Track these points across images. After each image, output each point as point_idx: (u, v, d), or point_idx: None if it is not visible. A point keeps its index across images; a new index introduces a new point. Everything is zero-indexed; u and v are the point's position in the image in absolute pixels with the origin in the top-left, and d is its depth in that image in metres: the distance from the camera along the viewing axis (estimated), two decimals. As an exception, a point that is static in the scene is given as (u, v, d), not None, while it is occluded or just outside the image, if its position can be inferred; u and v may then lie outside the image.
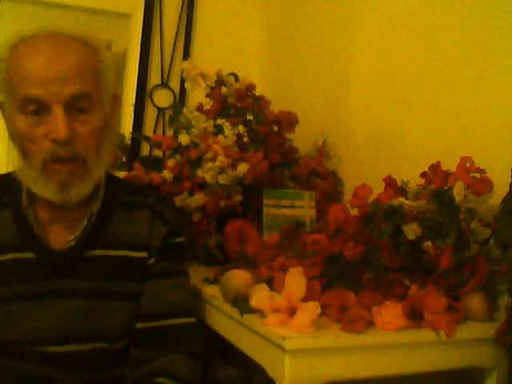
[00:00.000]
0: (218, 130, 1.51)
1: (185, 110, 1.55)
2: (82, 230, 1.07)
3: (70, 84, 0.96)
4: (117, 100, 1.11)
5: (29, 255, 1.05)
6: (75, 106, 0.98)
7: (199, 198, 1.43)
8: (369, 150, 1.57)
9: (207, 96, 1.61)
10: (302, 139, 1.68)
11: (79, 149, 0.99)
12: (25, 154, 1.00)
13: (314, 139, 1.69)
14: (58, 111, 0.96)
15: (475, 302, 1.06)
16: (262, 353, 1.00)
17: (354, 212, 1.16)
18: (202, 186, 1.45)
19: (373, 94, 1.57)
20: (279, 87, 2.00)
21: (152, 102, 2.06)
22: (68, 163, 0.99)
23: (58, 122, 0.96)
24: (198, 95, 1.66)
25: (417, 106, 1.41)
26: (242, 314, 1.04)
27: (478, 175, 1.12)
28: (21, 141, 0.99)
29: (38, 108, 0.97)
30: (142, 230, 1.11)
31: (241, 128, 1.56)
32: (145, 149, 1.98)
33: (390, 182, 1.24)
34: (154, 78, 2.07)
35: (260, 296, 1.00)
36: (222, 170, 1.42)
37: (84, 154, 1.00)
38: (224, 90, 1.58)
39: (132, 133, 1.98)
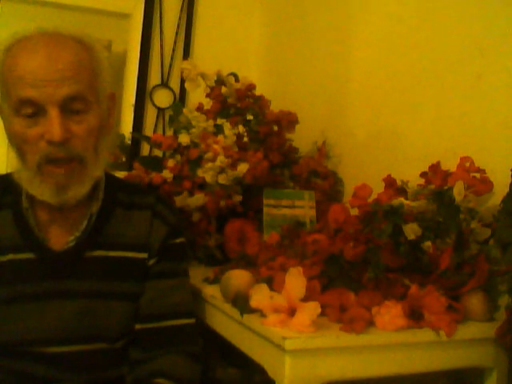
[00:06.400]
0: (218, 130, 1.51)
1: (185, 110, 1.55)
2: (82, 230, 1.07)
3: (64, 85, 0.96)
4: (114, 99, 1.11)
5: (29, 256, 1.05)
6: (70, 107, 0.98)
7: (199, 198, 1.43)
8: (369, 150, 1.57)
9: (207, 96, 1.61)
10: (302, 139, 1.68)
11: (76, 148, 0.99)
12: (21, 155, 1.00)
13: (314, 139, 1.69)
14: (53, 112, 0.96)
15: (475, 301, 1.06)
16: (262, 353, 1.00)
17: (354, 212, 1.16)
18: (202, 186, 1.45)
19: (373, 94, 1.57)
20: (279, 87, 2.00)
21: (152, 101, 2.06)
22: (64, 164, 0.99)
23: (52, 123, 0.96)
24: (198, 95, 1.65)
25: (417, 106, 1.41)
26: (242, 313, 1.04)
27: (478, 175, 1.12)
28: (17, 142, 0.99)
29: (33, 109, 0.96)
30: (142, 230, 1.11)
31: (241, 128, 1.56)
32: (145, 149, 1.98)
33: (389, 182, 1.24)
34: (154, 78, 2.07)
35: (260, 296, 1.00)
36: (221, 170, 1.42)
37: (81, 154, 1.00)
38: (224, 89, 1.58)
39: (132, 133, 1.99)
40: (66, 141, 0.97)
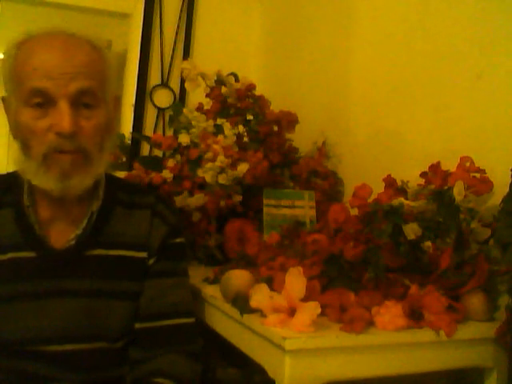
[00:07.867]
0: (218, 130, 1.51)
1: (185, 110, 1.55)
2: (83, 229, 1.07)
3: (77, 79, 0.98)
4: (119, 102, 1.13)
5: (29, 254, 1.05)
6: (80, 101, 0.99)
7: (199, 198, 1.43)
8: (369, 150, 1.57)
9: (207, 96, 1.61)
10: (302, 139, 1.68)
11: (83, 143, 1.00)
12: (26, 147, 1.00)
13: (313, 139, 1.69)
14: (64, 105, 0.97)
15: (475, 301, 1.06)
16: (261, 353, 1.00)
17: (354, 212, 1.16)
18: (202, 186, 1.45)
19: (373, 94, 1.57)
20: (279, 87, 2.00)
21: (152, 101, 2.06)
22: (70, 154, 0.99)
23: (63, 116, 0.97)
24: (197, 95, 1.66)
25: (417, 106, 1.41)
26: (242, 313, 1.04)
27: (478, 175, 1.12)
28: (23, 134, 1.00)
29: (44, 101, 0.98)
30: (142, 229, 1.11)
31: (241, 128, 1.56)
32: (145, 149, 1.99)
33: (390, 182, 1.24)
34: (154, 78, 2.07)
35: (260, 296, 1.00)
36: (221, 170, 1.42)
37: (88, 149, 1.01)
38: (224, 90, 1.58)
39: (132, 133, 1.99)
40: (74, 134, 0.98)
